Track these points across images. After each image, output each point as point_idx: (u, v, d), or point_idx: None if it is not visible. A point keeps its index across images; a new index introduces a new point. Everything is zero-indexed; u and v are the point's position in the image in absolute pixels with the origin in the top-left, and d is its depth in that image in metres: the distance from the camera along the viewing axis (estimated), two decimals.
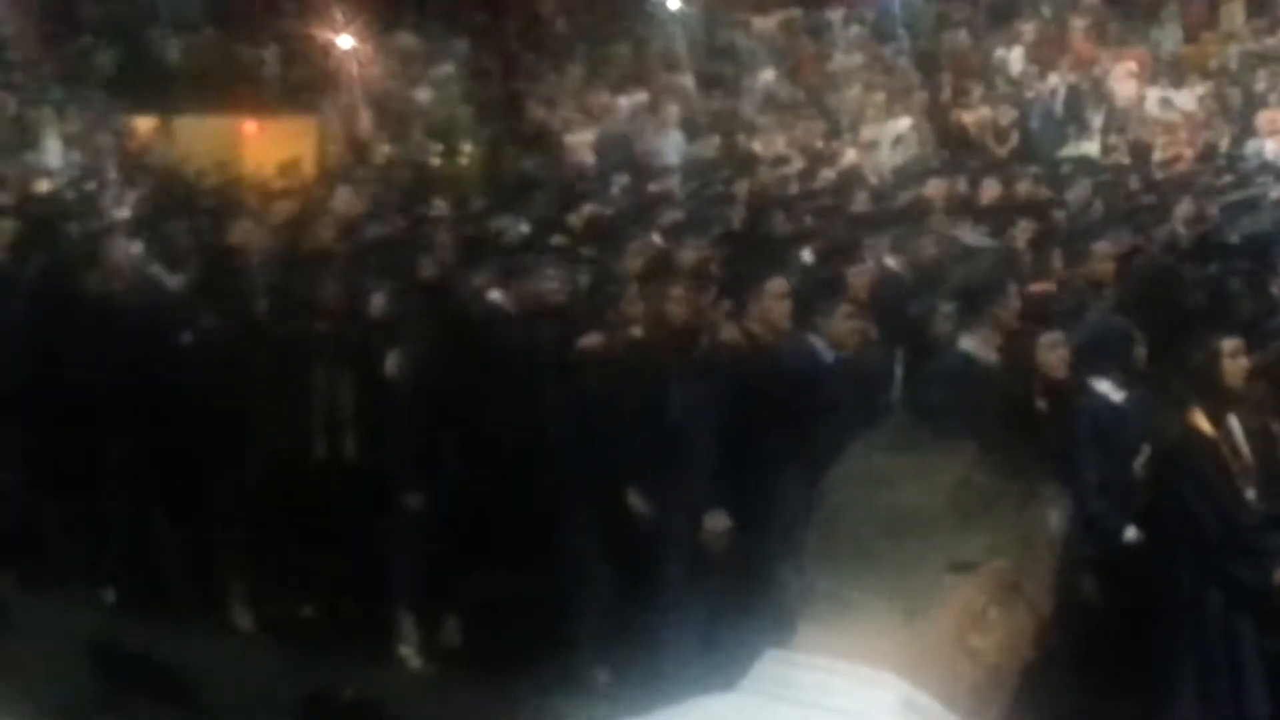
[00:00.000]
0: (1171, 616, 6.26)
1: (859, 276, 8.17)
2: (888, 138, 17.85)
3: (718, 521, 6.92)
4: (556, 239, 10.12)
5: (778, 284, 7.40)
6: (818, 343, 7.29)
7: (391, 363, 7.68)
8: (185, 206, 11.05)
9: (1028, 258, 9.24)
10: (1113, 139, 17.73)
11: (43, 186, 12.72)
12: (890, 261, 9.28)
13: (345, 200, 12.04)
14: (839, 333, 7.28)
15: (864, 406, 7.09)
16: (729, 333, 7.30)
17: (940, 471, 1.58)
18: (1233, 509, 6.17)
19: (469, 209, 12.42)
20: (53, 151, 15.21)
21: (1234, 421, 6.22)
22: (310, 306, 8.10)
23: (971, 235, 10.22)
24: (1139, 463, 6.41)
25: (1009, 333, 7.01)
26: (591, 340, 7.51)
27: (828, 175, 15.07)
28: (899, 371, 7.58)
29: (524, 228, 10.86)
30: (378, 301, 8.10)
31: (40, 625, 7.84)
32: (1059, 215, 11.35)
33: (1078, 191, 12.74)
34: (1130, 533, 6.45)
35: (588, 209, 11.97)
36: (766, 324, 7.30)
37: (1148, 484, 6.38)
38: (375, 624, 7.82)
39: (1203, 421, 6.16)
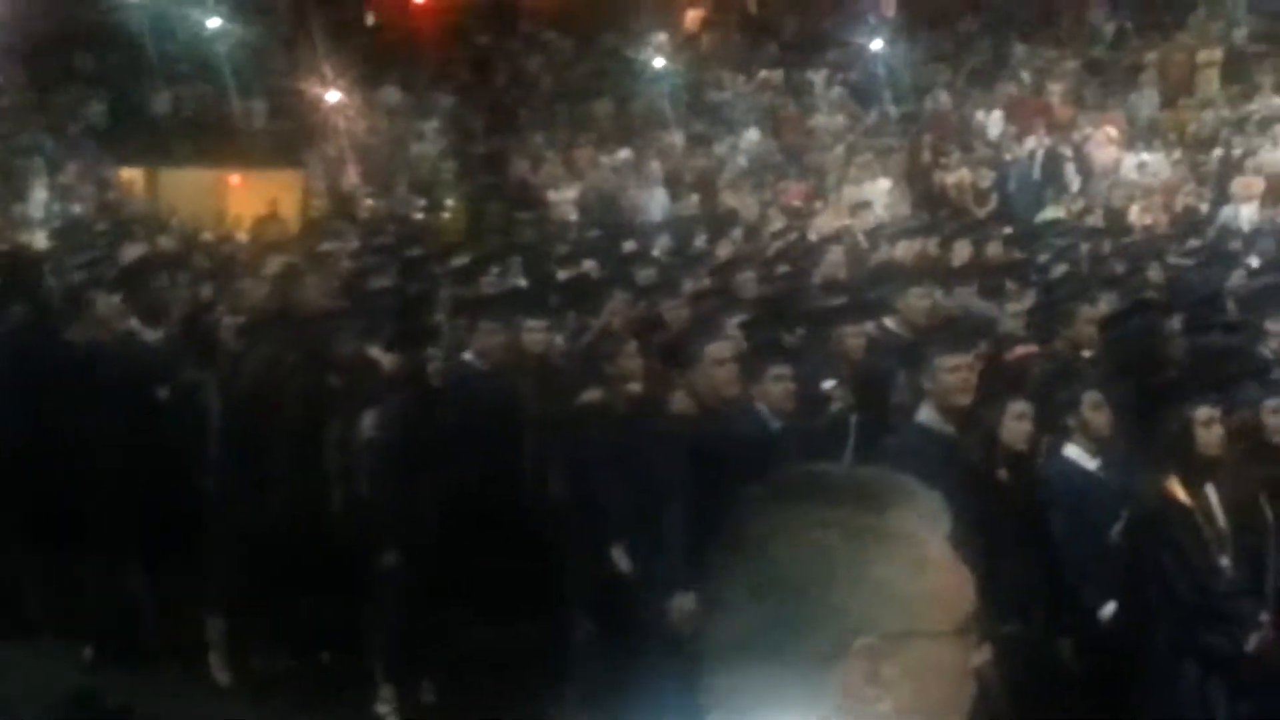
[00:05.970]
0: (1146, 684, 6.30)
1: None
2: (868, 199, 18.00)
3: (686, 602, 6.47)
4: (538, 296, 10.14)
5: (719, 348, 7.05)
6: (762, 409, 6.98)
7: (371, 420, 7.72)
8: (173, 261, 11.01)
9: (1015, 323, 9.19)
10: (1089, 202, 17.92)
11: (31, 238, 12.72)
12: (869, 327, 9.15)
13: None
14: (771, 396, 6.98)
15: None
16: (678, 400, 7.02)
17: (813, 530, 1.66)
18: (1207, 577, 6.21)
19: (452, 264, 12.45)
20: (40, 202, 15.24)
21: (1210, 490, 6.28)
22: (302, 362, 8.14)
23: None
24: (1115, 530, 6.47)
25: (975, 401, 6.54)
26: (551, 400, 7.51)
27: (806, 235, 15.12)
28: (851, 439, 7.33)
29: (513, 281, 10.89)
30: (368, 357, 8.14)
31: (19, 677, 7.82)
32: (1037, 279, 11.39)
33: (1051, 254, 12.82)
34: (1106, 601, 6.49)
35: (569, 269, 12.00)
36: (710, 390, 6.98)
37: (1124, 551, 6.42)
38: (354, 680, 7.82)
39: (1179, 490, 6.22)
